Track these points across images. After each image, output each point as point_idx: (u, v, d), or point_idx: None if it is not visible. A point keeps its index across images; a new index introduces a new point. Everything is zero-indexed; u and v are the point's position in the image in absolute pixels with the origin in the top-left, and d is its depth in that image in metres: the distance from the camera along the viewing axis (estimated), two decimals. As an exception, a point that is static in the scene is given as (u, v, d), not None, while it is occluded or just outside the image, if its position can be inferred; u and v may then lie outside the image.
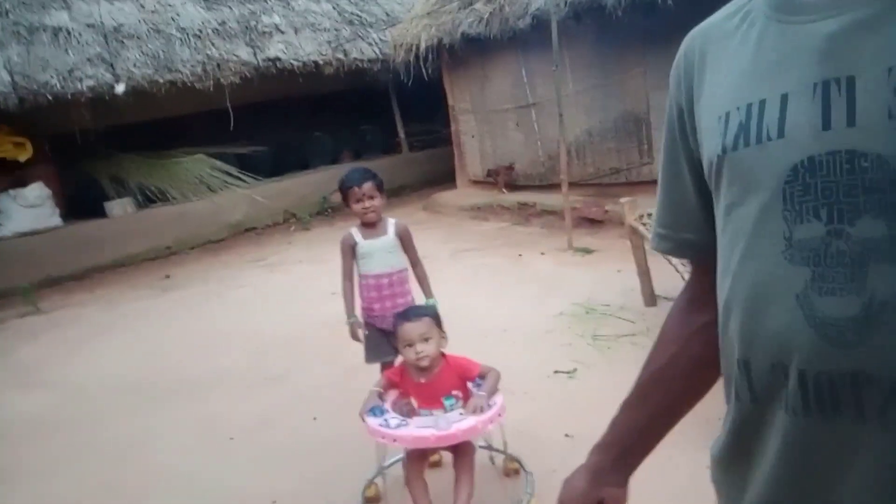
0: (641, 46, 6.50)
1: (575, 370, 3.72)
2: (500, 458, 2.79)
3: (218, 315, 5.84)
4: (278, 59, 9.23)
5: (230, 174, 9.35)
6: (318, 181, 9.87)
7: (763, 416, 0.77)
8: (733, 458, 0.84)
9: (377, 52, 9.98)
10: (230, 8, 9.38)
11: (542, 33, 6.61)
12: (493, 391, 2.49)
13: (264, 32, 9.38)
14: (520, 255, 6.40)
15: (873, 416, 0.67)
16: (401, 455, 2.69)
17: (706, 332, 0.89)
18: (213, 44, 8.87)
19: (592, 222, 6.81)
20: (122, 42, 8.30)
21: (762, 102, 0.75)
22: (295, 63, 9.32)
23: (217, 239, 9.01)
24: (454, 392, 2.49)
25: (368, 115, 10.92)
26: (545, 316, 4.59)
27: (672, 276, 3.65)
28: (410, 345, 2.47)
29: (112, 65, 8.06)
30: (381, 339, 3.02)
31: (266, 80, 9.16)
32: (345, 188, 3.05)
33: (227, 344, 4.99)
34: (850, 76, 0.68)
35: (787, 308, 0.71)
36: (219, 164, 9.36)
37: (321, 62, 9.50)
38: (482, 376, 2.54)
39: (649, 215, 4.36)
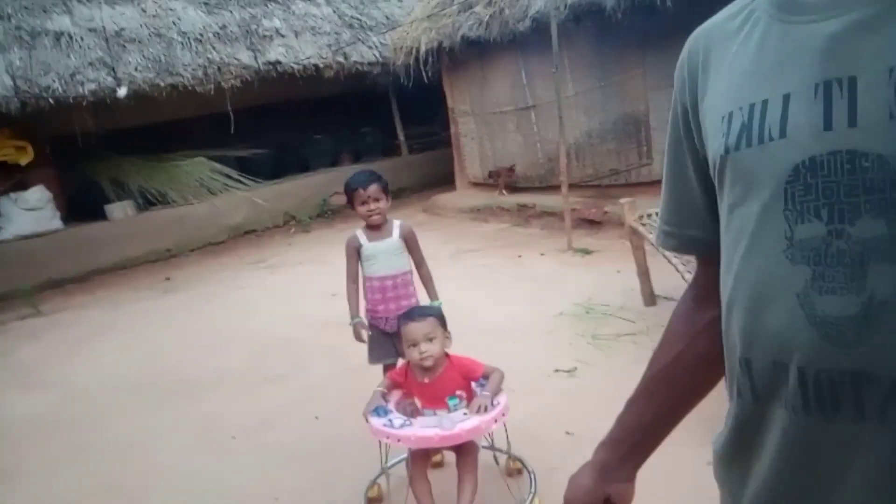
0: (641, 48, 6.52)
1: (575, 369, 3.73)
2: (502, 458, 2.79)
3: (218, 316, 5.85)
4: (279, 62, 9.26)
5: (230, 177, 9.38)
6: (318, 183, 9.90)
7: (764, 413, 0.77)
8: (735, 455, 0.84)
9: (377, 55, 10.00)
10: (231, 12, 9.41)
11: (541, 36, 6.63)
12: (497, 391, 2.48)
13: (265, 36, 9.41)
14: (519, 255, 6.42)
15: (873, 415, 0.68)
16: (403, 455, 2.68)
17: (712, 328, 0.89)
18: (213, 47, 8.90)
19: (592, 223, 6.83)
20: (124, 46, 8.33)
21: (764, 103, 0.75)
22: (295, 66, 9.34)
23: (217, 241, 9.02)
24: (458, 392, 2.49)
25: (368, 117, 10.93)
26: (545, 316, 4.61)
27: (671, 276, 3.67)
28: (415, 344, 2.46)
29: (113, 68, 8.08)
30: (385, 340, 3.03)
31: (266, 83, 9.18)
32: (350, 190, 3.03)
33: (228, 344, 5.00)
34: (852, 76, 0.68)
35: (788, 307, 0.71)
36: (219, 166, 9.38)
37: (321, 65, 9.51)
38: (486, 376, 2.53)
39: (649, 216, 4.39)
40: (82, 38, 8.11)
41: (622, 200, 4.60)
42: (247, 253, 8.46)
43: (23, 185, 8.07)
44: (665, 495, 2.09)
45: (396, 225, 3.09)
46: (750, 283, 0.76)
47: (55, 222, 8.19)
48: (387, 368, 3.01)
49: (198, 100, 8.66)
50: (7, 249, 7.60)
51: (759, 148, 0.75)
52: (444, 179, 9.86)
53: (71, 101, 7.73)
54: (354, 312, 3.06)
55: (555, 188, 6.94)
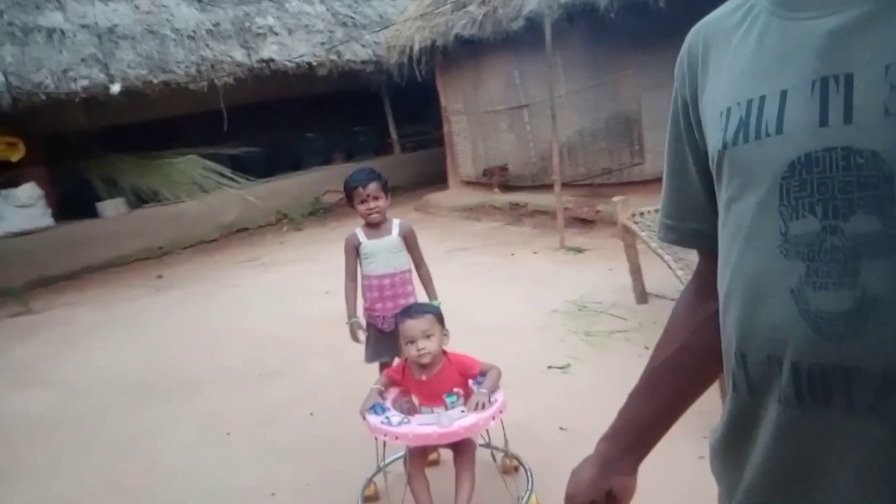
0: (633, 48, 6.55)
1: (568, 365, 3.76)
2: (499, 455, 2.79)
3: (212, 314, 5.85)
4: (272, 60, 9.25)
5: (223, 175, 9.35)
6: (311, 182, 9.90)
7: (758, 407, 0.78)
8: (730, 448, 0.85)
9: (370, 53, 10.01)
10: (224, 9, 9.40)
11: (534, 35, 6.66)
12: (494, 388, 2.48)
13: (258, 34, 9.40)
14: (512, 254, 6.45)
15: (864, 409, 0.68)
16: (400, 453, 2.68)
17: (714, 321, 0.88)
18: (207, 45, 8.88)
19: (584, 222, 6.87)
20: (117, 43, 8.29)
21: (762, 98, 0.76)
22: (288, 64, 9.34)
23: (210, 239, 9.00)
24: (455, 389, 2.48)
25: (361, 116, 10.93)
26: (538, 313, 4.64)
27: (663, 274, 3.70)
28: (412, 341, 2.45)
29: (106, 65, 8.05)
30: (381, 338, 3.03)
31: (260, 81, 9.17)
32: (349, 188, 3.02)
33: (223, 342, 5.00)
34: (849, 73, 0.69)
35: (782, 302, 0.72)
36: (212, 164, 9.36)
37: (314, 64, 9.52)
38: (483, 374, 2.53)
39: (641, 214, 4.42)
40: (75, 35, 8.08)
41: (615, 199, 4.64)
42: (239, 251, 8.45)
43: (14, 182, 8.02)
44: (664, 487, 2.10)
45: (396, 223, 3.09)
46: (746, 278, 0.77)
47: (46, 219, 8.14)
48: (383, 367, 3.01)
49: (191, 97, 8.63)
50: (-2, 246, 7.55)
51: (755, 143, 0.76)
52: (436, 178, 9.88)
53: (63, 97, 7.70)
54: (352, 312, 3.06)
55: (547, 187, 6.97)
